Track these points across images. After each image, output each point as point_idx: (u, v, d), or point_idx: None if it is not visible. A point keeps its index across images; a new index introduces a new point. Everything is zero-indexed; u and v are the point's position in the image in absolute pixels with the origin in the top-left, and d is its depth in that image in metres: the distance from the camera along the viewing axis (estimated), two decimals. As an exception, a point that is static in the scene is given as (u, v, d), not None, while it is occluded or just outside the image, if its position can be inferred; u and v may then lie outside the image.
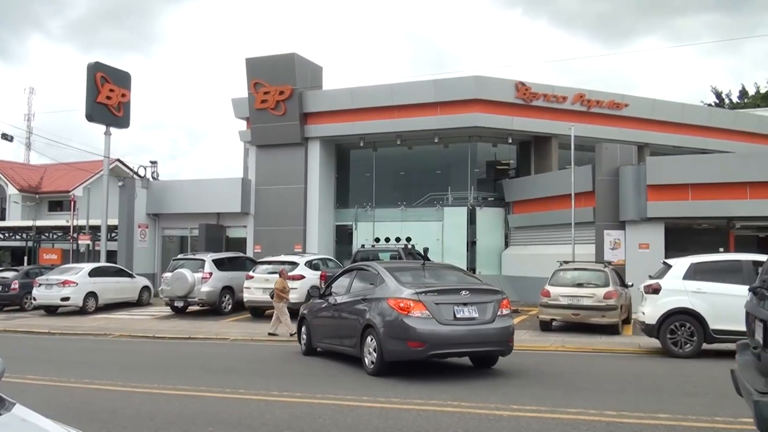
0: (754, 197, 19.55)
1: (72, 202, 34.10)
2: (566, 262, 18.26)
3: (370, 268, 11.57)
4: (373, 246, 22.31)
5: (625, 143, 23.53)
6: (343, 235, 29.13)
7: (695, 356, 12.34)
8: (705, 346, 12.60)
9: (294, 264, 20.02)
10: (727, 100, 49.91)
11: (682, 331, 12.50)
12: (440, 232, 27.02)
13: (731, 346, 12.81)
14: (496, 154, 28.78)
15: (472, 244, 27.05)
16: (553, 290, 16.56)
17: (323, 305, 12.27)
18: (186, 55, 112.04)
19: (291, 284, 19.44)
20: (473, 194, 27.53)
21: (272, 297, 16.39)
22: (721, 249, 19.74)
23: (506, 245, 27.39)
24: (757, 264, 12.74)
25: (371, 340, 10.23)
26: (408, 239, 22.55)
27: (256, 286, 19.75)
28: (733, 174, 20.05)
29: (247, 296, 19.97)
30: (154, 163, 31.78)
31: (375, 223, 28.04)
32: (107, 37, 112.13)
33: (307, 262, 20.41)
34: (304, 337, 12.89)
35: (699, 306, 12.46)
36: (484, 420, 7.33)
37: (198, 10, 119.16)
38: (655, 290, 12.96)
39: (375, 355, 10.14)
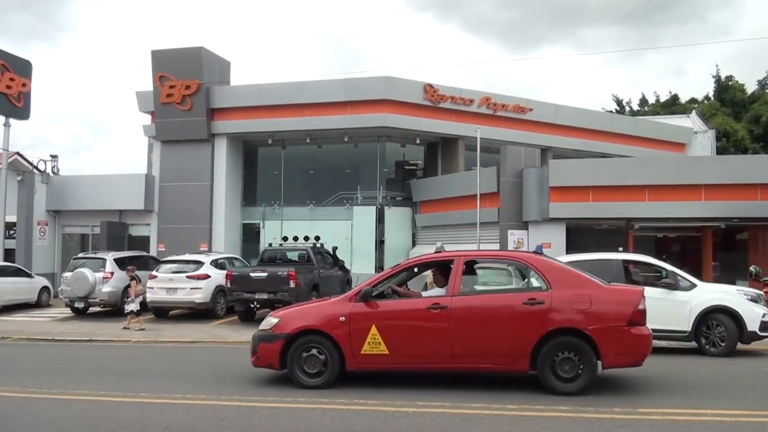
0: (653, 199, 20.45)
1: (-31, 198, 32.18)
2: (472, 261, 18.63)
3: None
4: (281, 245, 22.11)
5: (529, 146, 24.23)
6: (251, 234, 28.72)
7: None
8: None
9: (199, 263, 19.64)
10: (627, 108, 51.87)
11: None
12: (349, 231, 27.06)
13: None
14: (404, 154, 29.06)
15: (380, 243, 27.22)
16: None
17: None
18: (92, 46, 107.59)
19: (195, 284, 19.13)
20: (382, 194, 27.69)
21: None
22: (620, 248, 20.59)
23: (413, 244, 27.71)
24: (626, 262, 13.44)
25: None
26: (317, 238, 22.43)
27: (159, 286, 19.22)
28: (632, 177, 20.92)
29: (150, 296, 19.33)
30: (54, 157, 30.39)
31: (283, 221, 27.79)
32: (13, 23, 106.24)
33: (212, 261, 20.05)
34: None
35: None
36: (390, 417, 7.42)
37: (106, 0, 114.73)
38: None
39: None
